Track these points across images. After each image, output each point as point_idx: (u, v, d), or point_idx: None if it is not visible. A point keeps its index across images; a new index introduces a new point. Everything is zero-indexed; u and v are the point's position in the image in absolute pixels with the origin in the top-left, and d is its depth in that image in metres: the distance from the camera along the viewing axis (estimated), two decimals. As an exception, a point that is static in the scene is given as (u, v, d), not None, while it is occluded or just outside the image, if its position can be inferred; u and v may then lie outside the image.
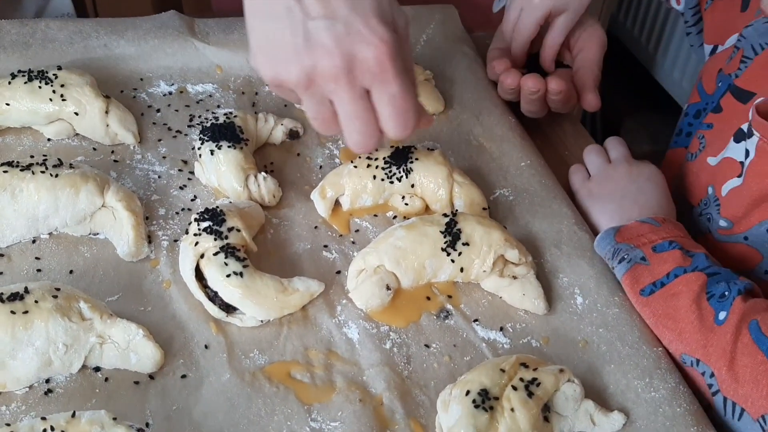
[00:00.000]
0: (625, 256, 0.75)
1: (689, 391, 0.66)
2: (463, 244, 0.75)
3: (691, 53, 1.75)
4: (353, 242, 0.82)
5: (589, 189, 0.87)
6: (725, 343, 0.66)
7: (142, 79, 0.99)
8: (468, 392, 0.62)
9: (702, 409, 0.65)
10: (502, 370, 0.63)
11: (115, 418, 0.59)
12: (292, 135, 0.94)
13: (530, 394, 0.62)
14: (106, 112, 0.89)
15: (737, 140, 0.83)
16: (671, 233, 0.76)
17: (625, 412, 0.65)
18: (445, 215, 0.77)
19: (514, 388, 0.62)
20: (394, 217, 0.85)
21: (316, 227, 0.83)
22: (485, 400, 0.61)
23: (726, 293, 0.68)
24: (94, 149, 0.89)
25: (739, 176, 0.81)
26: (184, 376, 0.67)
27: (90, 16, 1.27)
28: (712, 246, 0.81)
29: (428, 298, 0.76)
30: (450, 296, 0.76)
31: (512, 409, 0.61)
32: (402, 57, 0.63)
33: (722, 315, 0.67)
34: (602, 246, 0.78)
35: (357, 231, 0.83)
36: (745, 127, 0.82)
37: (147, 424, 0.63)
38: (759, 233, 0.79)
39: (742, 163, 0.81)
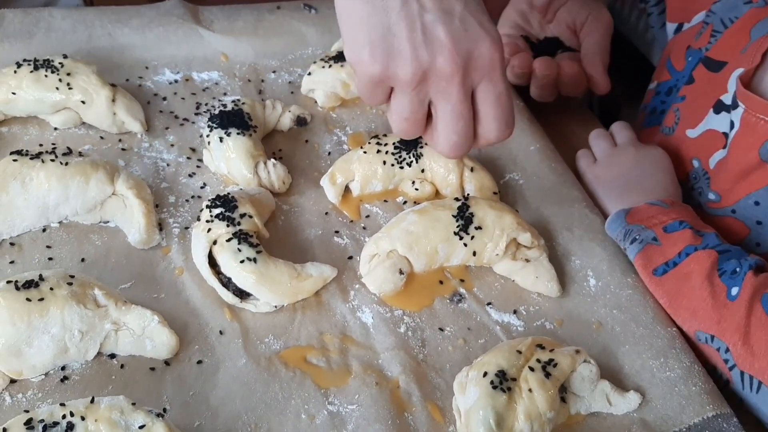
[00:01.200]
0: (637, 237, 0.75)
1: (704, 371, 0.66)
2: (476, 228, 0.75)
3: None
4: (364, 228, 0.82)
5: (594, 172, 0.87)
6: (739, 317, 0.66)
7: (147, 68, 0.99)
8: (485, 374, 0.62)
9: (717, 388, 0.65)
10: (519, 352, 0.63)
11: (134, 404, 0.59)
12: (300, 122, 0.93)
13: (547, 375, 0.62)
14: (113, 101, 0.89)
15: (717, 111, 0.83)
16: (681, 214, 0.76)
17: (641, 392, 0.65)
18: (456, 199, 0.77)
19: (531, 369, 0.62)
20: (404, 202, 0.85)
21: (326, 213, 0.83)
22: (503, 381, 0.61)
23: (737, 269, 0.69)
24: (102, 138, 0.89)
25: (724, 147, 0.82)
26: (200, 362, 0.67)
27: (95, 5, 1.26)
28: (703, 220, 0.80)
29: (441, 282, 0.76)
30: (462, 280, 0.76)
31: (530, 390, 0.61)
32: None
33: (734, 291, 0.68)
34: (613, 227, 0.78)
35: (367, 216, 0.83)
36: (724, 98, 0.83)
37: (164, 410, 0.63)
38: (746, 206, 0.80)
39: (725, 134, 0.82)
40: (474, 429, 0.60)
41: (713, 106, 0.84)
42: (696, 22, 0.93)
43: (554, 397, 0.61)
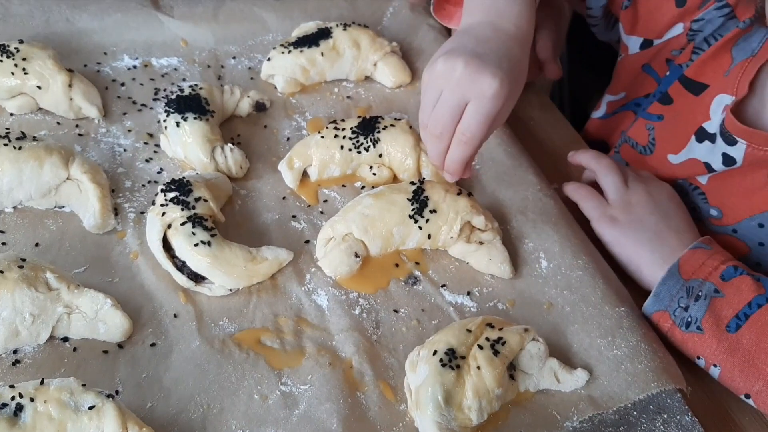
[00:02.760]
0: (700, 293, 0.70)
1: (650, 348, 0.67)
2: (431, 212, 0.76)
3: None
4: (321, 212, 0.82)
5: (611, 216, 0.80)
6: None
7: (105, 53, 0.98)
8: (435, 352, 0.63)
9: (662, 366, 0.66)
10: (469, 331, 0.64)
11: (84, 385, 0.59)
12: (259, 107, 0.93)
13: (496, 353, 0.63)
14: (70, 86, 0.88)
15: (700, 140, 0.82)
16: (724, 255, 0.73)
17: (588, 370, 0.66)
18: (412, 183, 0.78)
19: (480, 347, 0.63)
20: (362, 187, 0.85)
21: (284, 198, 0.83)
22: (452, 359, 0.62)
23: None
24: (58, 123, 0.88)
25: (709, 172, 0.81)
26: (153, 345, 0.68)
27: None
28: (702, 234, 0.80)
29: (396, 265, 0.77)
30: (418, 263, 0.77)
31: (478, 367, 0.62)
32: None
33: None
34: (668, 289, 0.72)
35: (325, 201, 0.84)
36: (707, 125, 0.81)
37: (117, 392, 0.63)
38: (749, 227, 0.79)
39: (706, 163, 0.81)
40: (423, 406, 0.60)
41: (695, 133, 0.83)
42: (673, 34, 0.89)
43: (502, 374, 0.63)
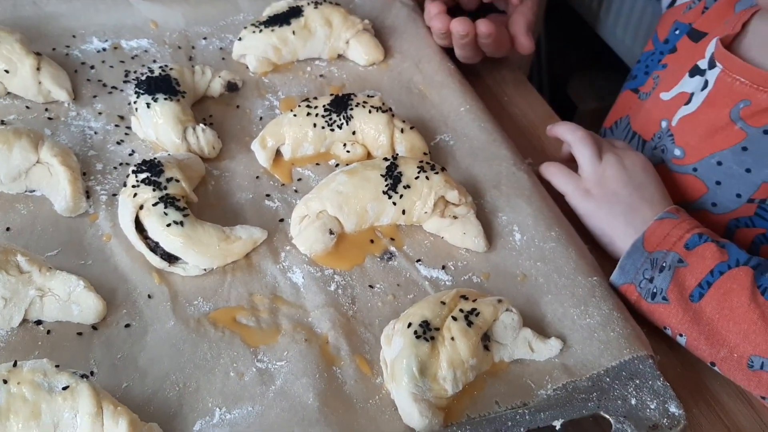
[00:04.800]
0: (664, 264, 0.71)
1: (622, 316, 0.68)
2: (405, 187, 0.76)
3: (633, 12, 1.79)
4: (296, 191, 0.82)
5: (585, 190, 0.81)
6: None
7: (74, 36, 0.97)
8: (410, 324, 0.63)
9: (634, 333, 0.67)
10: (443, 303, 0.65)
11: (57, 366, 0.59)
12: (231, 87, 0.93)
13: (470, 324, 0.63)
14: (38, 69, 0.87)
15: (692, 75, 0.85)
16: (691, 223, 0.74)
17: (562, 339, 0.67)
18: (386, 159, 0.78)
19: (454, 318, 0.64)
20: (336, 165, 0.85)
21: (257, 177, 0.83)
22: (426, 331, 0.62)
23: None
24: (27, 107, 0.87)
25: (687, 104, 0.84)
26: (128, 326, 0.67)
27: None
28: (664, 176, 0.82)
29: (372, 241, 0.77)
30: (393, 239, 0.77)
31: (452, 338, 0.62)
32: None
33: None
34: (635, 258, 0.72)
35: (299, 180, 0.83)
36: (701, 62, 0.84)
37: (92, 373, 0.63)
38: (708, 165, 0.81)
39: (692, 93, 0.84)
40: (398, 378, 0.61)
41: (689, 70, 0.86)
42: None
43: (476, 344, 0.63)
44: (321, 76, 0.97)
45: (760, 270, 0.68)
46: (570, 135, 0.83)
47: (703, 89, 0.82)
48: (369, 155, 0.86)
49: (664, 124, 0.86)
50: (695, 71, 0.84)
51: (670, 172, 0.83)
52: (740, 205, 0.79)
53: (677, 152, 0.84)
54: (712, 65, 0.82)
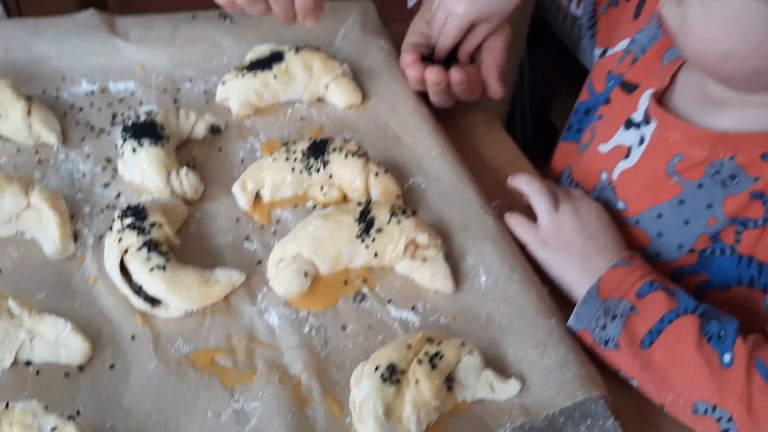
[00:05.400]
0: (616, 312, 0.74)
1: (578, 358, 0.72)
2: (377, 231, 0.80)
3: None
4: (274, 233, 0.86)
5: (542, 239, 0.84)
6: (740, 387, 0.68)
7: (64, 79, 1.01)
8: (377, 368, 0.67)
9: (589, 373, 0.71)
10: (409, 346, 0.69)
11: (46, 407, 0.63)
12: (214, 130, 0.97)
13: (433, 367, 0.68)
14: (29, 113, 0.91)
15: (627, 127, 0.89)
16: (643, 270, 0.77)
17: (522, 379, 0.71)
18: (359, 204, 0.83)
19: (419, 361, 0.68)
20: (314, 206, 0.89)
21: (237, 219, 0.87)
22: (392, 374, 0.66)
23: (722, 333, 0.71)
24: (18, 150, 0.91)
25: (626, 157, 0.88)
26: (112, 366, 0.71)
27: (14, 14, 1.27)
28: None
29: (345, 283, 0.81)
30: (366, 280, 0.81)
31: (417, 381, 0.66)
32: None
33: (727, 357, 0.69)
34: (590, 305, 0.76)
35: (278, 222, 0.88)
36: (635, 115, 0.89)
37: (78, 412, 0.67)
38: (649, 218, 0.85)
39: (629, 147, 0.88)
40: (365, 420, 0.65)
41: (624, 123, 0.90)
42: (619, 49, 0.99)
43: (440, 386, 0.67)
44: (301, 118, 1.02)
45: (706, 317, 0.72)
46: (527, 187, 0.88)
47: (640, 144, 0.87)
48: (345, 197, 0.90)
49: (604, 176, 0.91)
50: (630, 124, 0.89)
51: (617, 224, 0.87)
52: (682, 255, 0.83)
53: (620, 205, 0.88)
54: (647, 121, 0.86)
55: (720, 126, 0.81)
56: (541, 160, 1.08)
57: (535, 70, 2.94)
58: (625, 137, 0.90)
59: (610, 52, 1.00)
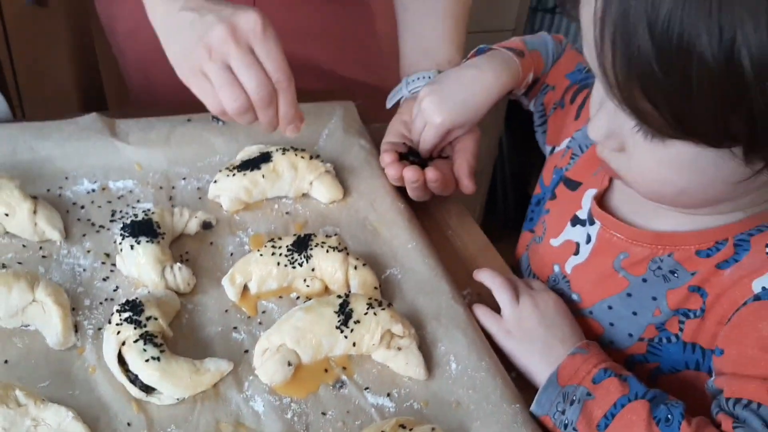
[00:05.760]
0: (574, 398, 0.80)
1: (538, 441, 0.79)
2: (355, 322, 0.88)
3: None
4: (260, 323, 0.93)
5: (506, 330, 0.91)
6: None
7: (67, 178, 1.09)
8: (354, 452, 0.73)
9: (547, 455, 0.78)
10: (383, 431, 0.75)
11: (47, 494, 0.68)
12: (206, 225, 1.05)
13: (406, 451, 0.74)
14: (34, 212, 0.99)
15: (573, 224, 0.98)
16: (598, 357, 0.84)
17: (488, 462, 0.77)
18: (339, 296, 0.90)
19: (393, 446, 0.74)
20: (297, 297, 0.97)
21: (226, 311, 0.94)
22: (368, 458, 0.73)
23: (669, 417, 0.77)
24: (24, 246, 0.99)
25: (576, 254, 0.96)
26: (109, 452, 0.77)
27: (17, 116, 1.36)
28: None
29: (326, 371, 0.88)
30: (345, 368, 0.88)
31: (390, 465, 0.72)
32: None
33: None
34: (548, 396, 0.82)
35: (264, 312, 0.95)
36: (579, 213, 0.98)
37: (76, 498, 0.72)
38: (601, 309, 0.93)
39: (578, 243, 0.97)
40: (343, 501, 0.71)
41: (570, 220, 0.99)
42: (563, 146, 1.09)
43: (411, 470, 0.73)
44: (287, 213, 1.10)
45: (655, 402, 0.79)
46: (490, 282, 0.96)
47: (588, 242, 0.95)
48: (327, 289, 0.97)
49: (557, 268, 0.99)
50: (576, 221, 0.98)
51: (573, 314, 0.94)
52: (633, 344, 0.90)
53: (574, 296, 0.96)
54: (591, 221, 0.95)
55: (658, 227, 0.89)
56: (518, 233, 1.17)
57: (513, 146, 3.07)
58: (573, 233, 0.98)
59: (557, 149, 1.10)
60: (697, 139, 0.67)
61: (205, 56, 0.91)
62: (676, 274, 0.87)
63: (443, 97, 1.08)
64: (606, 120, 0.77)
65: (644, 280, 0.89)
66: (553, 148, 1.12)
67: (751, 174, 0.72)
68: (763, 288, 0.80)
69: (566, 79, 1.13)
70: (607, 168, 0.84)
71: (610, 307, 0.93)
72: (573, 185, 1.02)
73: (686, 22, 0.58)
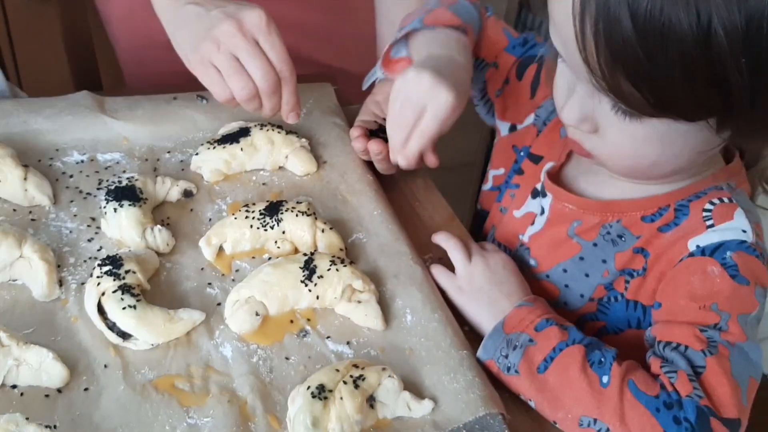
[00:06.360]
0: (517, 343, 0.85)
1: (483, 383, 0.85)
2: (319, 277, 0.94)
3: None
4: (233, 280, 0.99)
5: (458, 287, 0.97)
6: (614, 402, 0.80)
7: (57, 150, 1.16)
8: (308, 387, 0.80)
9: (490, 395, 0.84)
10: (337, 370, 0.82)
11: (27, 418, 0.75)
12: (187, 194, 1.12)
13: (356, 387, 0.80)
14: (25, 179, 1.06)
15: (534, 196, 1.05)
16: (543, 309, 0.91)
17: (434, 400, 0.83)
18: (304, 254, 0.97)
19: (345, 382, 0.80)
20: (269, 258, 1.03)
21: (202, 269, 1.01)
22: (321, 392, 0.79)
23: (602, 359, 0.83)
24: (14, 210, 1.06)
25: (532, 224, 1.03)
26: (86, 389, 0.84)
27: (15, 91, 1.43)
28: (529, 281, 0.98)
29: (291, 322, 0.94)
30: (309, 319, 0.95)
31: (341, 398, 0.79)
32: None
33: (605, 378, 0.82)
34: (493, 342, 0.88)
35: (237, 271, 1.01)
36: (538, 186, 1.04)
37: (55, 426, 0.79)
38: (557, 272, 0.99)
39: (535, 213, 1.03)
40: (297, 429, 0.77)
41: (531, 192, 1.05)
42: (527, 123, 1.13)
43: (361, 403, 0.80)
44: (263, 184, 1.17)
45: (590, 347, 0.85)
46: (445, 243, 1.03)
47: (542, 214, 1.01)
48: (296, 250, 1.04)
49: (520, 237, 1.05)
50: (535, 193, 1.04)
51: (531, 279, 1.00)
52: (584, 304, 0.97)
53: (532, 262, 1.02)
54: (544, 194, 1.01)
55: (607, 195, 0.96)
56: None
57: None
58: (532, 205, 1.05)
59: (519, 127, 1.16)
60: (676, 115, 0.73)
61: (213, 48, 0.99)
62: (623, 238, 0.94)
63: (445, 76, 0.94)
64: (579, 105, 0.81)
65: (595, 245, 0.96)
66: (514, 126, 1.17)
67: (720, 142, 0.79)
68: (697, 246, 0.87)
69: (507, 54, 1.14)
70: (579, 149, 0.89)
71: (564, 270, 0.99)
72: (536, 159, 1.09)
73: (666, 10, 0.64)
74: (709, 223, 0.88)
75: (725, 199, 0.89)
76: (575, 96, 0.81)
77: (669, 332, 0.84)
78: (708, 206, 0.89)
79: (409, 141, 0.99)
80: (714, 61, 0.66)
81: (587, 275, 0.97)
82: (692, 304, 0.84)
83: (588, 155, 0.89)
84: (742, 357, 0.81)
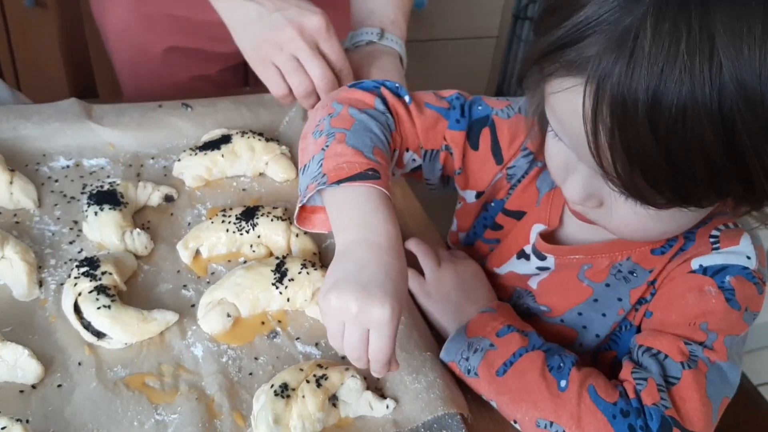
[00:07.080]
0: (478, 347, 0.87)
1: (444, 383, 0.87)
2: (289, 280, 0.97)
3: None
4: (208, 282, 1.02)
5: (426, 291, 0.99)
6: (572, 406, 0.82)
7: (44, 155, 1.20)
8: (272, 386, 0.83)
9: (450, 396, 0.86)
10: (301, 369, 0.85)
11: (0, 412, 0.78)
12: (168, 199, 1.15)
13: (319, 385, 0.83)
14: (11, 183, 1.09)
15: (518, 257, 1.01)
16: (506, 316, 0.92)
17: (396, 399, 0.86)
18: (276, 258, 0.99)
19: (308, 381, 0.83)
20: (244, 261, 1.06)
21: (178, 271, 1.04)
22: (284, 391, 0.82)
23: (561, 365, 0.85)
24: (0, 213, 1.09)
25: (537, 275, 1.00)
26: (59, 386, 0.86)
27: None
28: (539, 326, 0.96)
29: (263, 323, 0.97)
30: (280, 321, 0.97)
31: (303, 396, 0.81)
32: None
33: (563, 383, 0.84)
34: (457, 341, 0.89)
35: (212, 273, 1.04)
36: (526, 248, 1.00)
37: (27, 420, 0.82)
38: (572, 316, 0.97)
39: (525, 275, 1.00)
40: (259, 426, 0.80)
41: (517, 252, 1.01)
42: (497, 179, 1.04)
43: (323, 402, 0.82)
44: (243, 189, 1.20)
45: (550, 353, 0.87)
46: (415, 249, 1.04)
47: (545, 271, 0.98)
48: (271, 254, 1.07)
49: (516, 288, 1.02)
50: (521, 254, 1.00)
51: (542, 323, 0.98)
52: (599, 342, 0.96)
53: (543, 308, 0.99)
54: (541, 257, 0.96)
55: (611, 237, 0.90)
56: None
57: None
58: (518, 266, 1.01)
59: (487, 189, 1.05)
60: (695, 206, 0.69)
61: (275, 51, 1.07)
62: (634, 274, 0.92)
63: (371, 286, 0.76)
64: (582, 183, 0.77)
65: (607, 285, 0.94)
66: (481, 192, 1.06)
67: (732, 206, 0.77)
68: (700, 265, 0.88)
69: (453, 131, 1.01)
70: (582, 217, 0.85)
71: (580, 314, 0.97)
72: (517, 215, 1.03)
73: (689, 121, 0.61)
74: (715, 246, 0.88)
75: (731, 225, 0.90)
76: (577, 175, 0.77)
77: (653, 339, 0.86)
78: (715, 233, 0.89)
79: (371, 363, 0.79)
80: (738, 161, 0.63)
81: (604, 315, 0.96)
82: (683, 319, 0.86)
83: (592, 223, 0.84)
84: (719, 376, 0.83)
